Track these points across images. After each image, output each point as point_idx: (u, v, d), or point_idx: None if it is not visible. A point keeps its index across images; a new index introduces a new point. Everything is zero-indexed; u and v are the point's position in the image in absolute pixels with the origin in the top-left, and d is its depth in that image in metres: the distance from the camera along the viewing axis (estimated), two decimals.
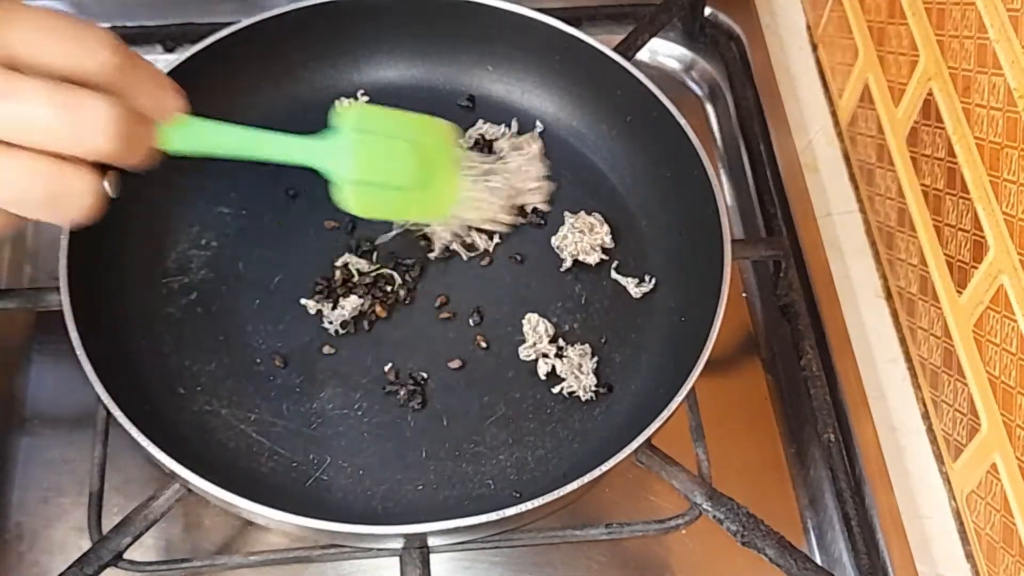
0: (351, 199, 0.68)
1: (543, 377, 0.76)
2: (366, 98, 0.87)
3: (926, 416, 0.78)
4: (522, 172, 0.83)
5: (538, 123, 0.88)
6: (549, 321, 0.78)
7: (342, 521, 0.65)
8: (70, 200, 0.51)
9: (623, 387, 0.77)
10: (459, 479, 0.73)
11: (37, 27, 0.50)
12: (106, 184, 0.54)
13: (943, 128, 0.73)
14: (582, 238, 0.80)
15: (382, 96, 0.88)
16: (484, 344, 0.78)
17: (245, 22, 0.82)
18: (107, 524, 0.69)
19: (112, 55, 0.51)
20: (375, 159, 0.69)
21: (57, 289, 0.71)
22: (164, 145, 0.58)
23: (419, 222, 0.80)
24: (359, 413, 0.75)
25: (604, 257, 0.81)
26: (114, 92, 0.51)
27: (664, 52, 1.00)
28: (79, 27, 0.51)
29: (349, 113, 0.69)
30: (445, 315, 0.80)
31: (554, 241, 0.82)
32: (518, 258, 0.82)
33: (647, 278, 0.80)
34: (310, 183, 0.85)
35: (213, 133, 0.63)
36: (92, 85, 0.51)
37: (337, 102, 0.84)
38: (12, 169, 0.49)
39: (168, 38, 0.96)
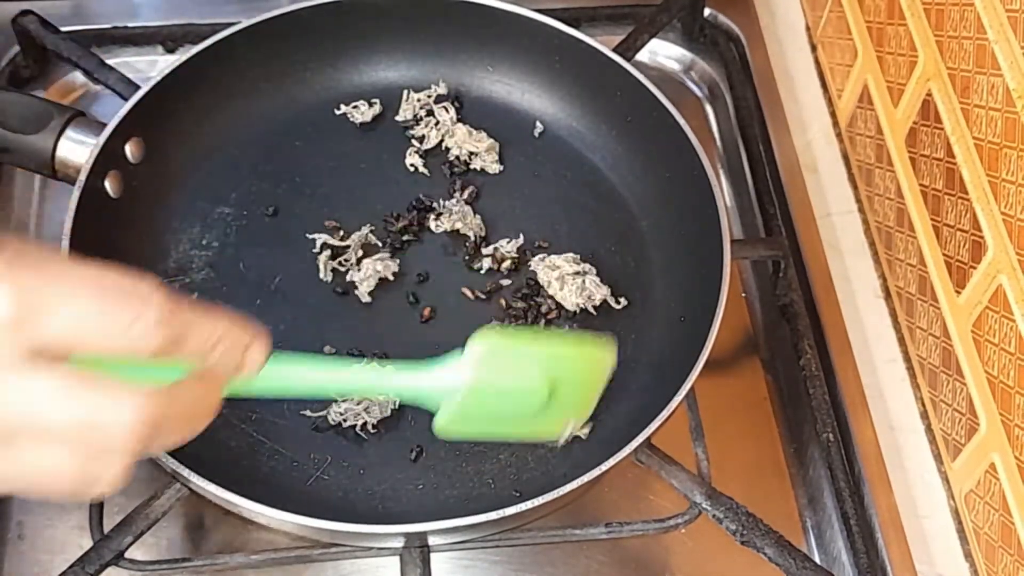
0: (446, 427, 0.60)
1: None
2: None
3: (925, 416, 0.78)
4: (473, 136, 0.85)
5: (538, 123, 0.88)
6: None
7: (342, 520, 0.65)
8: (96, 487, 0.46)
9: (623, 387, 0.77)
10: (459, 478, 0.74)
11: (71, 310, 0.44)
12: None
13: (942, 128, 0.74)
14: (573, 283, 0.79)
15: (383, 96, 0.88)
16: None
17: (246, 23, 0.83)
18: (108, 523, 0.69)
19: (159, 335, 0.45)
20: (488, 401, 0.60)
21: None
22: (239, 393, 0.51)
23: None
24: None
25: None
26: (172, 361, 0.46)
27: (664, 53, 1.00)
28: (123, 303, 0.45)
29: (477, 350, 0.59)
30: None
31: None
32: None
33: (622, 299, 0.80)
34: (311, 184, 0.85)
35: (298, 374, 0.55)
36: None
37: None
38: (37, 462, 0.45)
39: (169, 39, 0.96)
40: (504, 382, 0.59)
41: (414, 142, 0.87)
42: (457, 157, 0.86)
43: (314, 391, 0.56)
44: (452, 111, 0.87)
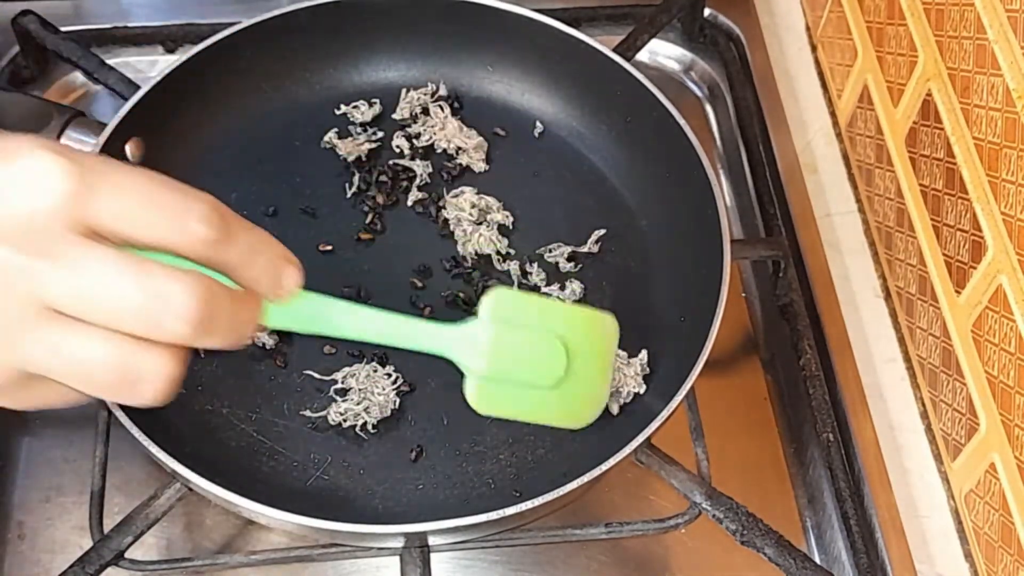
0: (478, 396, 0.62)
1: None
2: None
3: (925, 415, 0.78)
4: (463, 132, 0.85)
5: (538, 123, 0.88)
6: None
7: (343, 520, 0.65)
8: (140, 386, 0.46)
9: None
10: (459, 478, 0.74)
11: (126, 193, 0.44)
12: (173, 365, 0.47)
13: (942, 128, 0.74)
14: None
15: (383, 96, 0.88)
16: None
17: (246, 23, 0.83)
18: (108, 523, 0.69)
19: (208, 229, 0.45)
20: (515, 355, 0.62)
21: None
22: (272, 323, 0.51)
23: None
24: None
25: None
26: (213, 268, 0.46)
27: (664, 53, 1.00)
28: (175, 195, 0.46)
29: (494, 298, 0.61)
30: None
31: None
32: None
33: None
34: (311, 184, 0.85)
35: (330, 313, 0.55)
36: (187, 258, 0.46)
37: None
38: (80, 347, 0.44)
39: (169, 39, 0.96)
40: (523, 333, 0.61)
41: (410, 139, 0.87)
42: (444, 151, 0.86)
43: (340, 332, 0.56)
44: (447, 109, 0.87)
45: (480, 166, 0.86)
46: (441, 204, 0.84)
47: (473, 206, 0.83)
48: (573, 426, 0.69)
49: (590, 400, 0.68)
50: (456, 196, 0.83)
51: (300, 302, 0.52)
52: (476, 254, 0.82)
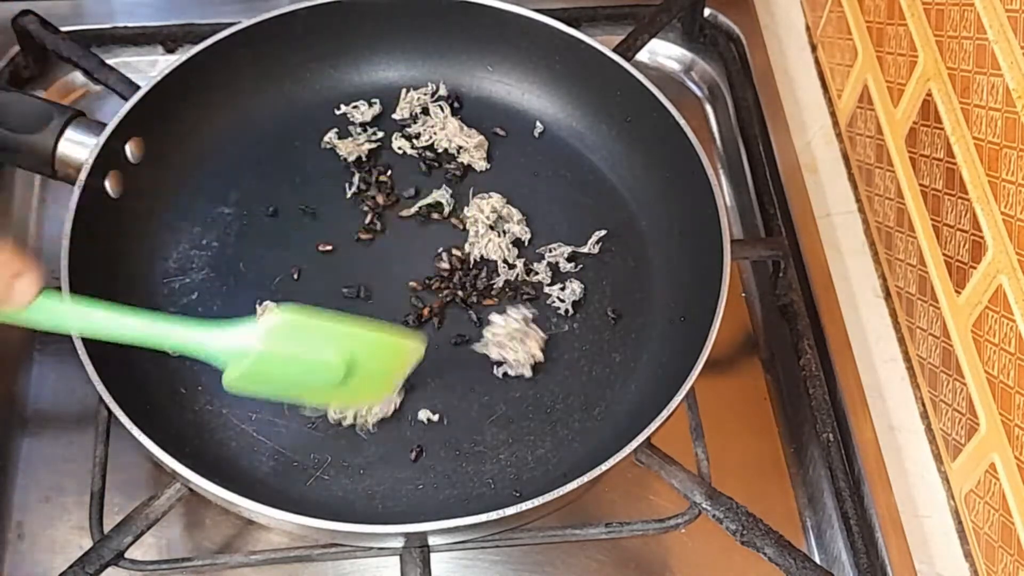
0: (235, 383, 0.64)
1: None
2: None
3: (925, 415, 0.78)
4: (464, 131, 0.86)
5: (538, 123, 0.88)
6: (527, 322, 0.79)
7: (343, 520, 0.65)
8: None
9: (623, 387, 0.77)
10: (459, 478, 0.74)
11: None
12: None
13: (942, 128, 0.74)
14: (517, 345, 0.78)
15: (383, 96, 0.88)
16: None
17: (246, 23, 0.83)
18: (108, 523, 0.69)
19: None
20: (279, 370, 0.64)
21: (59, 289, 0.71)
22: (16, 321, 0.57)
23: None
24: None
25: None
26: None
27: (664, 53, 1.00)
28: None
29: (269, 325, 0.62)
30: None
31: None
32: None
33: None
34: (311, 184, 0.85)
35: (72, 315, 0.60)
36: None
37: (264, 306, 0.76)
38: None
39: (169, 39, 0.96)
40: (295, 354, 0.63)
41: (410, 139, 0.87)
42: (446, 150, 0.86)
43: (95, 333, 0.60)
44: (447, 109, 0.87)
45: (481, 164, 0.86)
46: (448, 207, 0.84)
47: (494, 211, 0.83)
48: (330, 404, 0.73)
49: (358, 394, 0.71)
50: (482, 198, 0.83)
51: (40, 307, 0.57)
52: (481, 257, 0.82)
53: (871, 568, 0.74)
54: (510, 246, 0.82)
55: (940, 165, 0.74)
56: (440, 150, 0.87)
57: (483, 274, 0.81)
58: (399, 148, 0.87)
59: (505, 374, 0.77)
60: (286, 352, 0.63)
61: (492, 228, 0.83)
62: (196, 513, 0.77)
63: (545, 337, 0.78)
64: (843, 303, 0.83)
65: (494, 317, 0.77)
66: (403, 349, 0.70)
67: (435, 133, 0.87)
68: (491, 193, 0.84)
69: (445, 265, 0.82)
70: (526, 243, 0.83)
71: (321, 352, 0.64)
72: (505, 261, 0.82)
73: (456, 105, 0.88)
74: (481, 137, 0.86)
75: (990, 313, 0.68)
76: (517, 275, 0.81)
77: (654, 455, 0.71)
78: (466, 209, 0.83)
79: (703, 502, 0.70)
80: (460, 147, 0.86)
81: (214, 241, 0.82)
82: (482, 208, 0.83)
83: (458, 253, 0.82)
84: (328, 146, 0.87)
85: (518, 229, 0.83)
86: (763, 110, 0.93)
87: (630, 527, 0.73)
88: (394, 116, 0.88)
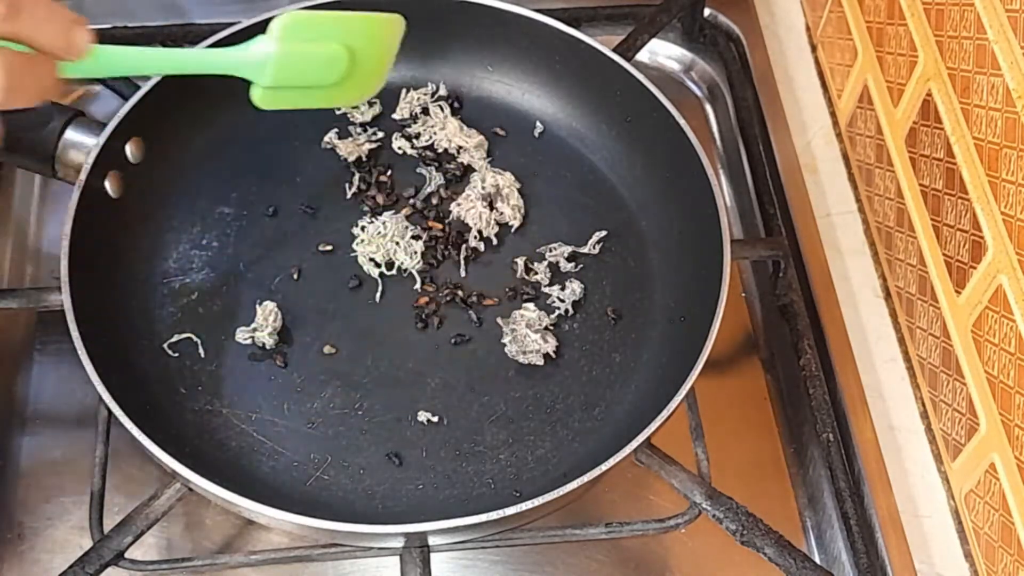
0: (261, 98, 0.69)
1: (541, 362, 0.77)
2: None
3: (925, 416, 0.78)
4: (464, 131, 0.86)
5: (538, 123, 0.88)
6: (548, 317, 0.79)
7: (343, 520, 0.65)
8: None
9: (623, 387, 0.77)
10: (459, 478, 0.74)
11: None
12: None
13: (942, 128, 0.74)
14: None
15: (383, 96, 0.88)
16: (484, 341, 0.78)
17: (246, 23, 0.83)
18: (108, 523, 0.69)
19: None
20: (297, 68, 0.69)
21: (59, 289, 0.72)
22: (70, 73, 0.58)
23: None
24: (359, 413, 0.76)
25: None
26: (9, 39, 0.54)
27: (664, 53, 1.00)
28: None
29: (280, 22, 0.68)
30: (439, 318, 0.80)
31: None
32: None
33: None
34: (311, 184, 0.85)
35: (123, 57, 0.63)
36: None
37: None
38: None
39: (169, 38, 0.96)
40: (308, 49, 0.69)
41: (410, 139, 0.87)
42: (446, 150, 0.86)
43: (137, 70, 0.67)
44: (447, 109, 0.87)
45: (481, 164, 0.86)
46: (444, 204, 0.84)
47: (495, 185, 0.83)
48: (344, 103, 0.83)
49: (364, 86, 0.76)
50: (496, 172, 0.84)
51: (96, 55, 0.59)
52: (459, 218, 0.83)
53: (871, 568, 0.74)
54: (491, 222, 0.82)
55: (940, 165, 0.74)
56: (440, 150, 0.87)
57: (452, 235, 0.82)
58: (399, 148, 0.87)
59: (516, 364, 0.77)
60: (298, 49, 0.68)
61: (484, 200, 0.83)
62: (196, 513, 0.77)
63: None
64: (843, 303, 0.83)
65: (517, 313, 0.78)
66: (390, 23, 0.75)
67: (435, 133, 0.87)
68: (507, 171, 0.84)
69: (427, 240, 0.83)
70: (512, 230, 0.83)
71: (327, 44, 0.70)
72: (480, 232, 0.82)
73: (456, 105, 0.88)
74: (481, 137, 0.86)
75: (990, 313, 0.68)
76: (518, 266, 0.81)
77: (654, 455, 0.71)
78: (474, 175, 0.84)
79: (703, 502, 0.70)
80: (460, 147, 0.86)
81: (214, 241, 0.82)
82: (486, 178, 0.83)
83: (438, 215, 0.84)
84: (328, 146, 0.87)
85: (509, 213, 0.83)
86: (763, 110, 0.93)
87: (630, 527, 0.73)
88: (394, 116, 0.88)
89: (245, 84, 0.85)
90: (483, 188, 0.83)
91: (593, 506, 0.77)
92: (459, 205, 0.83)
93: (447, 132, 0.86)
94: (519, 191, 0.84)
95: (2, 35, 0.54)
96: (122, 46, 0.62)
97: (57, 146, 0.77)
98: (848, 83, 0.89)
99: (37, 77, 0.56)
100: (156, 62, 0.67)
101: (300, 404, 0.76)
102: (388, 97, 0.88)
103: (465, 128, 0.87)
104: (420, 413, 0.76)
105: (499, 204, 0.83)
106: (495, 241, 0.83)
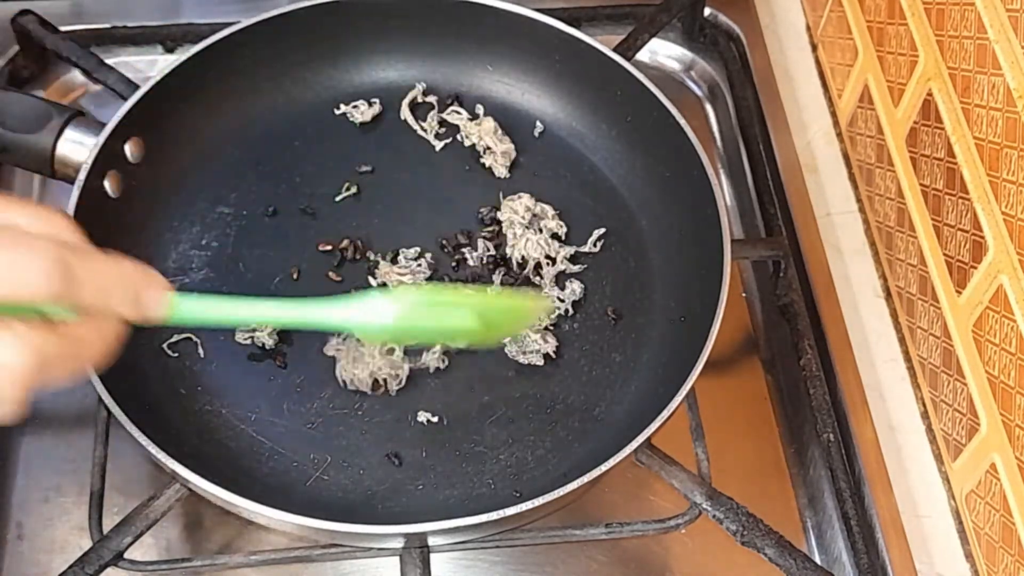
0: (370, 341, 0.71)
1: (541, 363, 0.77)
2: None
3: (925, 416, 0.78)
4: (497, 134, 0.85)
5: (538, 123, 0.88)
6: (548, 317, 0.79)
7: (342, 521, 0.65)
8: None
9: (623, 387, 0.77)
10: (459, 479, 0.73)
11: None
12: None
13: (942, 128, 0.74)
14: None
15: (383, 96, 0.88)
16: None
17: (245, 22, 0.83)
18: (108, 524, 0.69)
19: (49, 282, 0.45)
20: (407, 337, 0.71)
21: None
22: (171, 322, 0.55)
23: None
24: (359, 413, 0.76)
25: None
26: (67, 305, 0.47)
27: (664, 52, 1.00)
28: (13, 254, 0.45)
29: (400, 301, 0.63)
30: None
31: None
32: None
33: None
34: (311, 184, 0.85)
35: (214, 310, 0.58)
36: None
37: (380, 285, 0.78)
38: None
39: (168, 38, 0.96)
40: (428, 325, 0.65)
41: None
42: (474, 145, 0.86)
43: (233, 323, 0.66)
44: (483, 109, 0.87)
45: (502, 172, 0.85)
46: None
47: (528, 210, 0.82)
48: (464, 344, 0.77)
49: (488, 339, 0.73)
50: (512, 200, 0.83)
51: (179, 310, 0.54)
52: (523, 258, 0.81)
53: (871, 568, 0.73)
54: (549, 241, 0.82)
55: (941, 165, 0.74)
56: (468, 144, 0.86)
57: (526, 272, 0.81)
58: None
59: (516, 364, 0.77)
60: (419, 324, 0.65)
61: (528, 227, 0.82)
62: (196, 513, 0.77)
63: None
64: (843, 303, 0.83)
65: None
66: (530, 308, 0.72)
67: (466, 124, 0.86)
68: (520, 194, 0.83)
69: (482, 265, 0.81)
70: (563, 236, 0.83)
71: (453, 319, 0.66)
72: (548, 256, 0.81)
73: (456, 105, 0.88)
74: (511, 145, 0.86)
75: (991, 313, 0.68)
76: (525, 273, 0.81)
77: (654, 455, 0.71)
78: (498, 214, 0.83)
79: (703, 502, 0.70)
80: (487, 147, 0.86)
81: (214, 241, 0.82)
82: (516, 209, 0.82)
83: (493, 253, 0.82)
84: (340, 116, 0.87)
85: (554, 224, 0.83)
86: (763, 110, 0.93)
87: (630, 527, 0.73)
88: (403, 116, 0.88)
89: (245, 84, 0.86)
90: (522, 219, 0.82)
91: (593, 506, 0.77)
92: (513, 247, 0.81)
93: (482, 128, 0.86)
94: (541, 200, 0.83)
95: (61, 306, 0.47)
96: (206, 298, 0.56)
97: (56, 146, 0.77)
98: (848, 83, 0.89)
99: (94, 340, 0.49)
100: (255, 315, 0.63)
101: (300, 404, 0.75)
102: (389, 98, 0.88)
103: (500, 131, 0.86)
104: (420, 413, 0.75)
105: (542, 223, 0.82)
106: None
